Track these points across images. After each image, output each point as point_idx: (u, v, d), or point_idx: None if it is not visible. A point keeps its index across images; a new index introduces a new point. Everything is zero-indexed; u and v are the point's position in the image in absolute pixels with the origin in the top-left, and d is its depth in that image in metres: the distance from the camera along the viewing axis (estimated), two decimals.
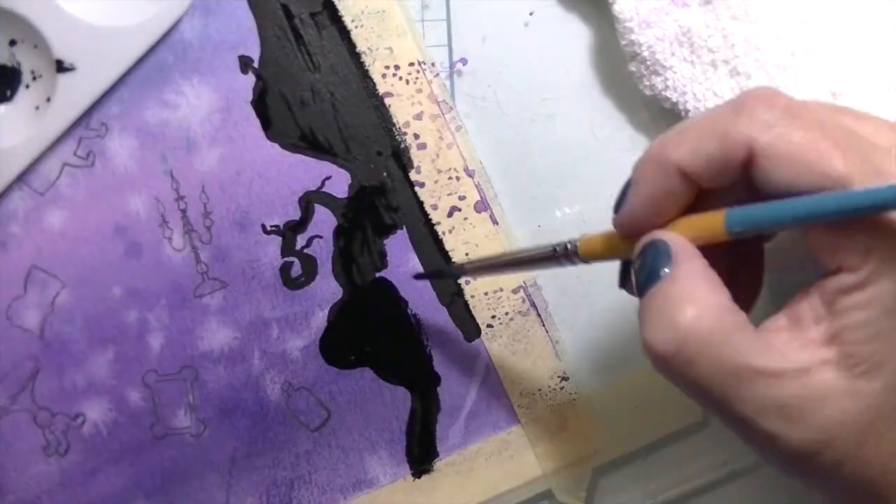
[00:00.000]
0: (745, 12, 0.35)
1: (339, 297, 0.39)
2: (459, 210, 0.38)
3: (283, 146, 0.38)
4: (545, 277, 0.39)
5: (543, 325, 0.39)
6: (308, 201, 0.38)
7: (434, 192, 0.38)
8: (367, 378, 0.39)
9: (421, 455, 0.39)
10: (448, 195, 0.38)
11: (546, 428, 0.39)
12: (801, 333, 0.25)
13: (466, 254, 0.39)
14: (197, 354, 0.39)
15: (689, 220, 0.27)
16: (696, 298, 0.25)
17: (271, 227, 0.38)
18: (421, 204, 0.38)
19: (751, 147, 0.25)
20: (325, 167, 0.38)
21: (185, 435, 0.39)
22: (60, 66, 0.36)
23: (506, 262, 0.34)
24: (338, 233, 0.38)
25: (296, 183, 0.38)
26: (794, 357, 0.25)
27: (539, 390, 0.39)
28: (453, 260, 0.38)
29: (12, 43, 0.38)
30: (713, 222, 0.26)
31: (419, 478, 0.39)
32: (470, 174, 0.38)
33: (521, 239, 0.39)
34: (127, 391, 0.39)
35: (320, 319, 0.39)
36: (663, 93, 0.37)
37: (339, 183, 0.38)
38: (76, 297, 0.38)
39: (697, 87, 0.36)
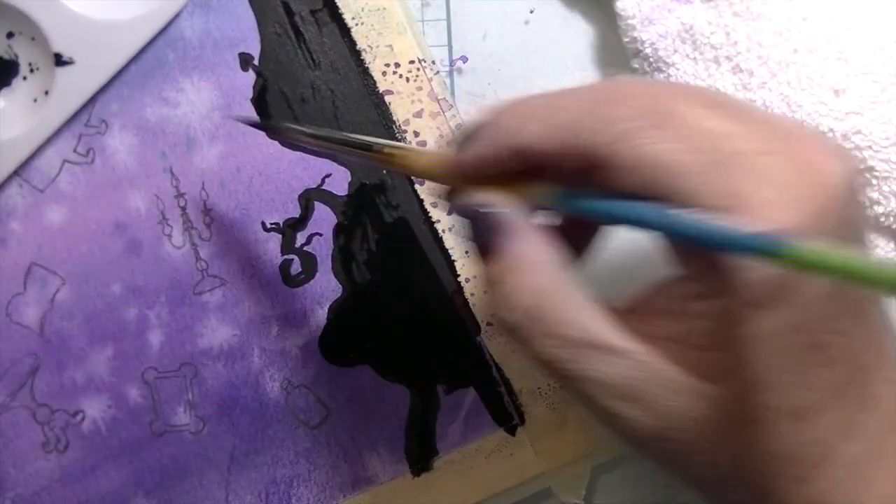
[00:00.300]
0: (748, 9, 0.35)
1: (339, 294, 0.39)
2: None
3: (284, 143, 0.38)
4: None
5: None
6: (308, 199, 0.38)
7: (434, 190, 0.38)
8: (366, 376, 0.39)
9: (420, 453, 0.39)
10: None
11: (545, 426, 0.39)
12: (650, 322, 0.25)
13: (466, 252, 0.39)
14: (196, 351, 0.39)
15: (523, 187, 0.26)
16: (531, 272, 0.25)
17: (271, 224, 0.38)
18: (421, 201, 0.38)
19: (597, 153, 0.24)
20: (325, 165, 0.38)
21: (185, 432, 0.39)
22: (59, 60, 0.36)
23: (324, 137, 0.32)
24: (338, 230, 0.38)
25: (296, 180, 0.38)
26: (642, 342, 0.25)
27: (538, 388, 0.39)
28: (452, 257, 0.38)
29: (9, 35, 0.38)
30: (544, 195, 0.25)
31: (418, 476, 0.39)
32: None
33: None
34: (126, 388, 0.39)
35: (320, 317, 0.39)
36: None
37: (339, 181, 0.38)
38: (76, 294, 0.38)
39: (700, 83, 0.36)
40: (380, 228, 0.38)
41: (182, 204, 0.38)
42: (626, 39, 0.37)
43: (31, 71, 0.38)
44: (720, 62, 0.36)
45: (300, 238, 0.39)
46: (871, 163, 0.35)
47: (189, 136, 0.38)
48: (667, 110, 0.24)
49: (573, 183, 0.25)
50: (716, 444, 0.25)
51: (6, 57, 0.38)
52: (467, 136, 0.27)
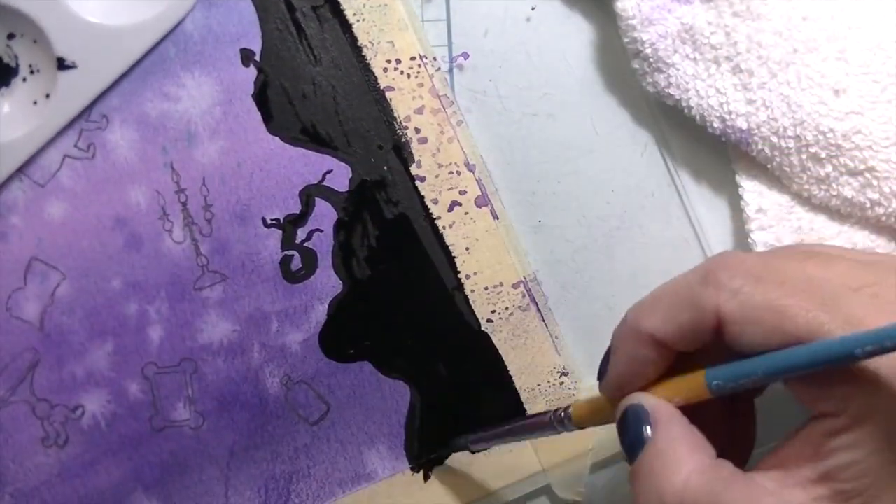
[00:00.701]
0: (748, 9, 0.35)
1: (339, 290, 0.39)
2: (460, 205, 0.38)
3: (284, 139, 0.38)
4: (545, 273, 0.39)
5: (543, 321, 0.39)
6: (308, 195, 0.38)
7: (435, 187, 0.38)
8: (366, 372, 0.39)
9: (420, 450, 0.39)
10: (449, 189, 0.38)
11: None
12: (792, 474, 0.26)
13: (466, 248, 0.39)
14: (196, 347, 0.39)
15: (671, 383, 0.28)
16: (678, 464, 0.26)
17: (272, 220, 0.38)
18: (422, 198, 0.38)
19: (718, 315, 0.26)
20: (325, 161, 0.38)
21: (184, 427, 0.39)
22: (61, 64, 0.36)
23: (505, 432, 0.35)
24: (338, 226, 0.38)
25: (296, 176, 0.38)
26: (788, 497, 0.25)
27: (538, 385, 0.39)
28: (453, 253, 0.38)
29: (10, 36, 0.37)
30: (694, 382, 0.27)
31: (418, 472, 0.39)
32: (471, 169, 0.38)
33: (522, 233, 0.39)
34: (126, 383, 0.39)
35: (320, 313, 0.39)
36: (666, 90, 0.37)
37: (340, 177, 0.38)
38: (76, 289, 0.38)
39: (700, 84, 0.36)
40: (380, 225, 0.38)
41: (183, 199, 0.38)
42: (626, 40, 0.37)
43: (32, 73, 0.38)
44: (720, 62, 0.36)
45: (301, 234, 0.38)
46: (871, 163, 0.35)
47: (190, 132, 0.38)
48: (767, 266, 0.26)
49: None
50: None
51: (5, 59, 0.38)
52: (604, 358, 0.29)
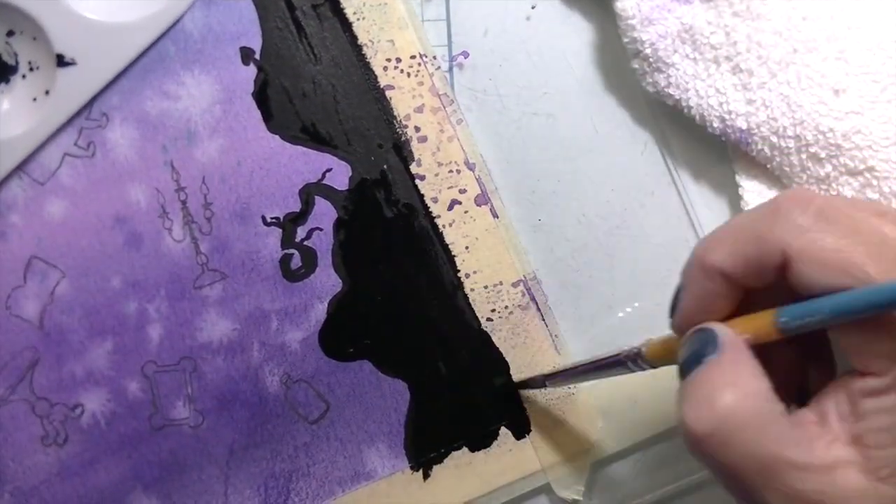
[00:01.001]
0: (747, 9, 0.35)
1: (339, 289, 0.39)
2: (460, 203, 0.38)
3: (284, 138, 0.38)
4: (545, 271, 0.39)
5: (543, 320, 0.39)
6: (308, 193, 0.38)
7: (434, 185, 0.38)
8: (365, 370, 0.39)
9: (419, 448, 0.39)
10: (448, 188, 0.38)
11: (545, 422, 0.39)
12: (827, 430, 0.26)
13: (466, 247, 0.39)
14: (196, 346, 0.39)
15: (740, 319, 0.28)
16: (737, 384, 0.26)
17: (271, 218, 0.38)
18: (421, 197, 0.38)
19: (785, 251, 0.25)
20: (325, 159, 0.38)
21: (184, 426, 0.39)
22: (61, 61, 0.36)
23: (580, 372, 0.34)
24: (338, 225, 0.38)
25: (296, 175, 0.38)
26: (821, 453, 0.25)
27: None
28: (453, 252, 0.38)
29: (10, 34, 0.37)
30: (763, 319, 0.27)
31: (417, 471, 0.39)
32: (470, 167, 0.38)
33: (521, 232, 0.39)
34: (126, 382, 0.39)
35: (320, 312, 0.39)
36: (666, 90, 0.37)
37: (340, 175, 0.38)
38: (76, 288, 0.38)
39: (700, 83, 0.36)
40: (380, 223, 0.38)
41: (182, 198, 0.38)
42: (625, 40, 0.37)
43: (31, 70, 0.38)
44: (720, 62, 0.36)
45: (300, 232, 0.38)
46: (871, 163, 0.35)
47: (190, 130, 0.38)
48: (840, 210, 0.26)
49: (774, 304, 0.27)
50: None
51: (5, 56, 0.38)
52: (675, 294, 0.29)
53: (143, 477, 0.39)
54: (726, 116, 0.36)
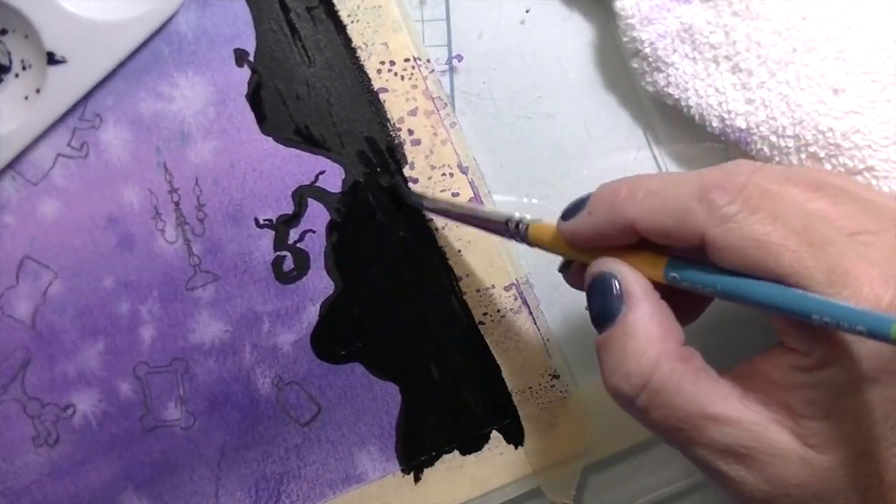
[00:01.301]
0: (747, 8, 0.35)
1: (331, 291, 0.39)
2: None
3: (278, 140, 0.38)
4: (537, 275, 0.39)
5: (535, 323, 0.39)
6: (301, 195, 0.38)
7: (427, 189, 0.38)
8: (357, 373, 0.39)
9: (411, 451, 0.39)
10: (441, 191, 0.38)
11: (536, 425, 0.39)
12: (760, 389, 0.26)
13: (459, 251, 0.39)
14: (188, 347, 0.39)
15: (635, 257, 0.28)
16: (648, 345, 0.27)
17: (264, 220, 0.38)
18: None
19: (704, 237, 0.26)
20: (319, 162, 0.38)
21: (175, 427, 0.39)
22: (51, 59, 0.36)
23: (460, 214, 0.35)
24: (331, 228, 0.38)
25: (289, 177, 0.38)
26: (754, 410, 0.26)
27: (530, 388, 0.39)
28: (446, 255, 0.38)
29: (2, 32, 0.37)
30: (655, 265, 0.27)
31: (409, 474, 0.39)
32: (464, 171, 0.38)
33: None
34: (117, 383, 0.39)
35: (312, 314, 0.39)
36: (665, 89, 0.37)
37: (333, 177, 0.38)
38: (68, 288, 0.38)
39: (699, 83, 0.36)
40: (373, 226, 0.38)
41: (175, 199, 0.38)
42: (624, 39, 0.37)
43: (24, 68, 0.38)
44: (719, 62, 0.36)
45: (293, 235, 0.39)
46: (870, 162, 0.35)
47: (183, 132, 0.38)
48: (768, 193, 0.26)
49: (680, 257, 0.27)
50: None
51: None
52: (577, 206, 0.29)
53: (134, 477, 0.39)
54: (725, 116, 0.36)
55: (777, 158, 0.36)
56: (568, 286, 0.39)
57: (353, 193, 0.38)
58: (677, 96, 0.37)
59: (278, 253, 0.39)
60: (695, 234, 0.26)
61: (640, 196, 0.27)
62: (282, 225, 0.38)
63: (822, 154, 0.35)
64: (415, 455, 0.39)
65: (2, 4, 0.36)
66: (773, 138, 0.36)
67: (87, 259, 0.38)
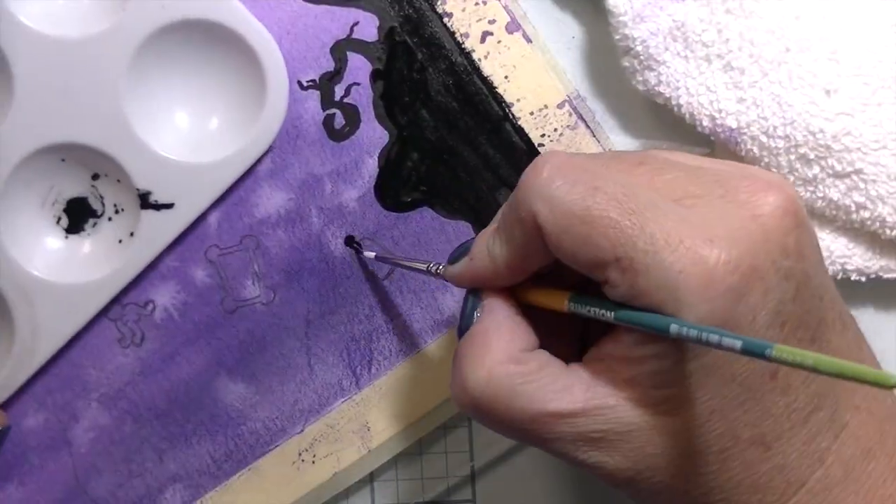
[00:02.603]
0: (740, 7, 0.35)
1: (386, 141, 0.38)
2: (492, 34, 0.38)
3: None
4: (588, 88, 0.39)
5: (594, 136, 0.38)
6: (340, 50, 0.38)
7: (463, 21, 0.38)
8: (427, 217, 0.38)
9: None
10: (478, 21, 0.38)
11: None
12: (607, 370, 0.27)
13: (506, 77, 0.38)
14: (254, 222, 0.38)
15: (540, 292, 0.29)
16: (486, 355, 0.27)
17: (307, 82, 0.38)
18: (452, 34, 0.38)
19: (538, 224, 0.26)
20: (351, 13, 0.38)
21: (256, 304, 0.39)
22: (145, 202, 0.36)
23: (398, 264, 0.37)
24: (375, 76, 0.38)
25: (324, 34, 0.38)
26: (600, 393, 0.26)
27: None
28: (493, 83, 0.38)
29: (95, 177, 0.38)
30: (559, 299, 0.28)
31: None
32: None
33: (557, 53, 0.39)
34: (191, 270, 0.38)
35: (371, 166, 0.38)
36: (656, 88, 0.36)
37: (368, 27, 0.38)
38: None
39: (691, 82, 0.36)
40: (416, 67, 0.38)
41: None
42: (616, 37, 0.36)
43: (117, 212, 0.38)
44: (711, 60, 0.35)
45: (338, 91, 0.38)
46: (859, 165, 0.35)
47: None
48: (585, 169, 0.26)
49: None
50: (683, 479, 0.26)
51: (91, 199, 0.38)
52: (462, 251, 0.30)
53: (225, 362, 0.39)
54: (716, 115, 0.36)
55: (766, 159, 0.36)
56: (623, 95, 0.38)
57: (391, 39, 0.38)
58: (668, 95, 0.36)
59: (327, 112, 0.38)
60: (534, 227, 0.26)
61: (493, 233, 0.28)
62: (326, 83, 0.38)
63: (811, 155, 0.35)
64: None
65: (94, 150, 0.36)
66: (764, 138, 0.35)
67: None
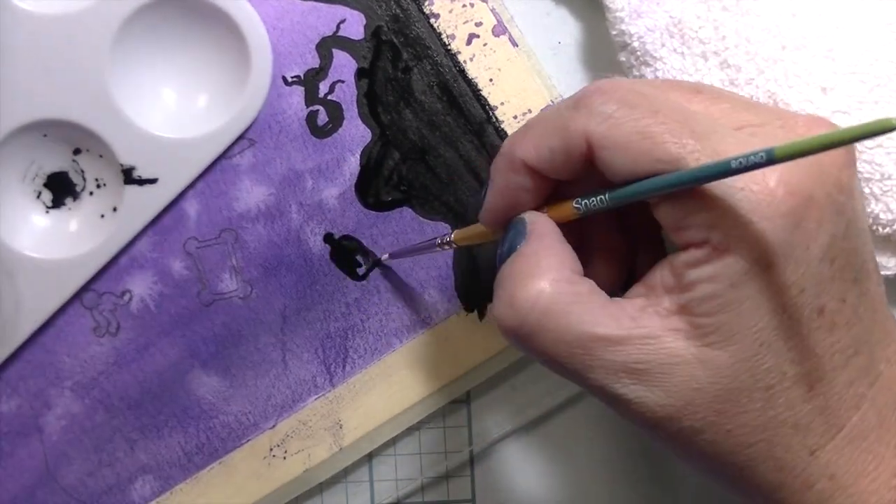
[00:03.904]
0: (737, 4, 0.35)
1: (369, 139, 0.38)
2: (478, 37, 0.38)
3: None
4: (570, 93, 0.39)
5: None
6: (325, 47, 0.38)
7: (450, 22, 0.38)
8: (407, 217, 0.38)
9: (471, 288, 0.38)
10: (464, 23, 0.38)
11: None
12: (654, 302, 0.26)
13: (490, 80, 0.38)
14: (234, 216, 0.38)
15: (548, 207, 0.29)
16: (536, 273, 0.27)
17: (292, 77, 0.38)
18: (438, 35, 0.38)
19: (588, 139, 0.26)
20: (338, 11, 0.38)
21: (233, 298, 0.39)
22: (128, 177, 0.36)
23: (408, 251, 0.37)
24: (359, 75, 0.38)
25: (310, 30, 0.38)
26: (646, 324, 0.26)
27: None
28: (478, 86, 0.38)
29: (76, 151, 0.38)
30: (565, 204, 0.28)
31: (473, 311, 0.39)
32: None
33: (543, 58, 0.39)
34: (169, 262, 0.38)
35: (353, 164, 0.38)
36: None
37: (354, 24, 0.38)
38: None
39: (687, 78, 0.36)
40: (402, 67, 0.38)
41: None
42: (613, 32, 0.36)
43: (98, 187, 0.38)
44: (708, 57, 0.35)
45: (323, 87, 0.38)
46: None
47: None
48: (644, 94, 0.26)
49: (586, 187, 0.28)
50: (728, 414, 0.26)
51: (72, 173, 0.38)
52: (483, 192, 0.30)
53: (199, 354, 0.39)
54: None
55: None
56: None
57: (377, 37, 0.38)
58: None
59: (311, 108, 0.38)
60: (580, 144, 0.26)
61: (522, 133, 0.28)
62: (310, 79, 0.38)
63: None
64: (475, 292, 0.38)
65: (77, 126, 0.36)
66: None
67: None
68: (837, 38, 0.35)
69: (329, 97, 0.38)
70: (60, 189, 0.38)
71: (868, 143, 0.34)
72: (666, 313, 0.26)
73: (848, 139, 0.20)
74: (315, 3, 0.38)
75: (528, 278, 0.27)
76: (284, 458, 0.39)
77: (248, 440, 0.39)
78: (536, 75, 0.38)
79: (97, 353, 0.39)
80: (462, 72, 0.38)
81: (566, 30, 0.39)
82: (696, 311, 0.25)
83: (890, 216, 0.35)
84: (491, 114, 0.38)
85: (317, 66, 0.38)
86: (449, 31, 0.38)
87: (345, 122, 0.38)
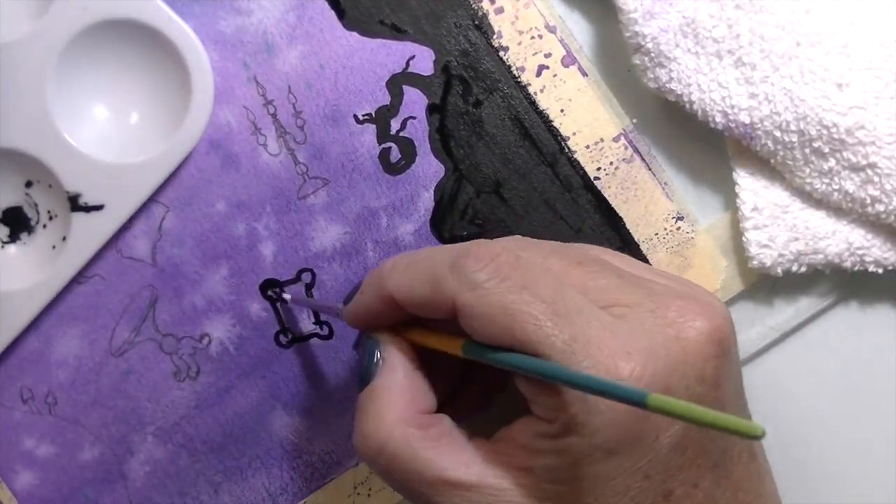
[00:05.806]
0: (750, 2, 0.35)
1: (442, 174, 0.38)
2: (547, 68, 0.38)
3: (362, 33, 0.38)
4: (643, 120, 0.39)
5: (650, 169, 0.38)
6: (396, 84, 0.38)
7: (519, 54, 0.38)
8: None
9: None
10: (533, 55, 0.38)
11: (670, 269, 0.38)
12: (510, 454, 0.27)
13: (561, 110, 0.38)
14: (310, 256, 0.38)
15: (429, 336, 0.29)
16: (387, 417, 0.28)
17: (363, 115, 0.38)
18: (508, 68, 0.38)
19: (455, 303, 0.27)
20: (407, 48, 0.38)
21: (313, 338, 0.39)
22: (75, 204, 0.36)
23: (311, 305, 0.38)
24: (431, 110, 0.38)
25: (380, 68, 0.38)
26: (498, 473, 0.27)
27: (656, 234, 0.38)
28: (549, 117, 0.38)
29: (28, 184, 0.37)
30: (454, 344, 0.28)
31: None
32: (552, 30, 0.38)
33: (613, 87, 0.39)
34: (247, 304, 0.38)
35: (427, 200, 0.38)
36: (668, 85, 0.36)
37: (424, 60, 0.38)
38: (181, 219, 0.38)
39: (702, 78, 0.36)
40: (472, 101, 0.38)
41: (272, 111, 0.38)
42: (626, 34, 0.36)
43: (50, 219, 0.38)
44: (722, 56, 0.35)
45: (394, 125, 0.38)
46: (873, 159, 0.35)
47: (268, 42, 0.38)
48: (521, 263, 0.27)
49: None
50: None
51: (26, 208, 0.38)
52: (354, 289, 0.31)
53: (280, 396, 0.39)
54: (729, 111, 0.36)
55: (781, 153, 0.36)
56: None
57: (447, 73, 0.38)
58: (679, 92, 0.36)
59: (383, 145, 0.38)
60: (447, 302, 0.27)
61: (402, 268, 0.29)
62: (382, 116, 0.38)
63: (826, 150, 0.35)
64: None
65: (23, 155, 0.36)
66: (777, 133, 0.35)
67: (194, 187, 0.38)
68: (852, 33, 0.35)
69: (401, 134, 0.38)
70: (16, 224, 0.38)
71: (887, 138, 0.34)
72: (516, 468, 0.27)
73: (714, 424, 0.20)
74: (384, 41, 0.38)
75: (379, 421, 0.28)
76: (369, 495, 0.39)
77: (331, 479, 0.39)
78: (607, 103, 0.38)
79: (178, 398, 0.39)
80: (533, 103, 0.38)
81: (580, 35, 0.39)
82: (539, 476, 0.26)
83: None
84: (563, 144, 0.38)
85: (388, 103, 0.38)
86: (518, 64, 0.38)
87: (417, 158, 0.38)
